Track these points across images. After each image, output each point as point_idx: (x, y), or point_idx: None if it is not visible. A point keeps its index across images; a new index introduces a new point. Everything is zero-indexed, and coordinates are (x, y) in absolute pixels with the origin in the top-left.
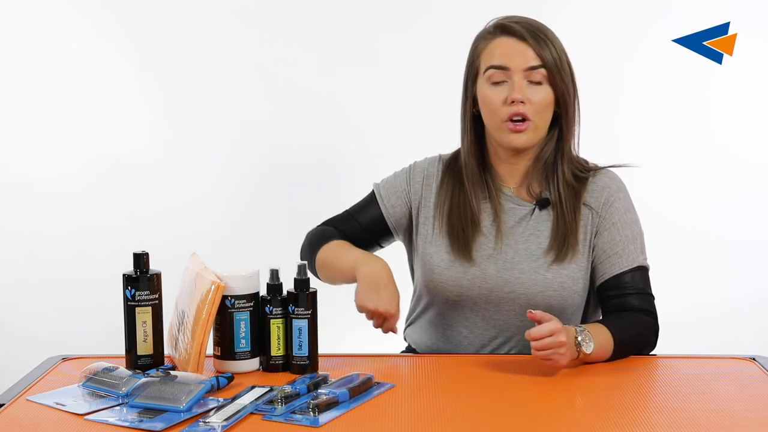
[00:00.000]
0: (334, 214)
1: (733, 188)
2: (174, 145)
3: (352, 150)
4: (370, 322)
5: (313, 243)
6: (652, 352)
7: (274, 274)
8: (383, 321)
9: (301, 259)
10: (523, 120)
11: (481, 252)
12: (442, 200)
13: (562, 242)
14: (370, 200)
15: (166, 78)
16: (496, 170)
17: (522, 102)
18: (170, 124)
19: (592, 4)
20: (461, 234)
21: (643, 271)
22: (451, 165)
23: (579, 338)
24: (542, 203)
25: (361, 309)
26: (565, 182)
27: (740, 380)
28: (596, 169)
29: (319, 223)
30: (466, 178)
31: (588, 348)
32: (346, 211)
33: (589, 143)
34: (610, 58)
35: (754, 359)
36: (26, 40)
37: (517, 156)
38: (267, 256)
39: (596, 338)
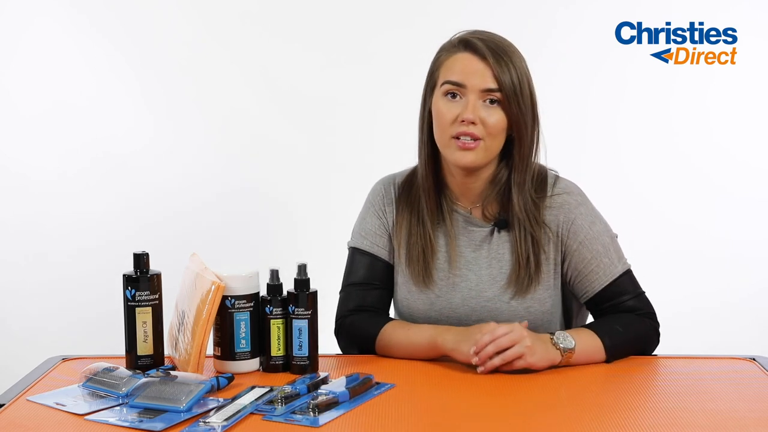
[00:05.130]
0: (343, 300)
1: (733, 188)
2: (174, 145)
3: (352, 150)
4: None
5: (366, 337)
6: (652, 353)
7: (274, 274)
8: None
9: (345, 349)
10: (474, 139)
11: (441, 274)
12: (399, 227)
13: (521, 277)
14: (365, 260)
15: (166, 78)
16: (450, 188)
17: (473, 122)
18: (170, 124)
19: (592, 4)
20: (421, 257)
21: (625, 275)
22: (405, 188)
23: (554, 339)
24: (500, 224)
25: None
26: (522, 211)
27: (740, 380)
28: (553, 194)
29: (340, 314)
30: (423, 194)
31: (564, 340)
32: (349, 286)
33: (589, 143)
34: (610, 58)
35: (754, 359)
36: (26, 40)
37: (469, 175)
38: (267, 256)
39: (576, 337)
